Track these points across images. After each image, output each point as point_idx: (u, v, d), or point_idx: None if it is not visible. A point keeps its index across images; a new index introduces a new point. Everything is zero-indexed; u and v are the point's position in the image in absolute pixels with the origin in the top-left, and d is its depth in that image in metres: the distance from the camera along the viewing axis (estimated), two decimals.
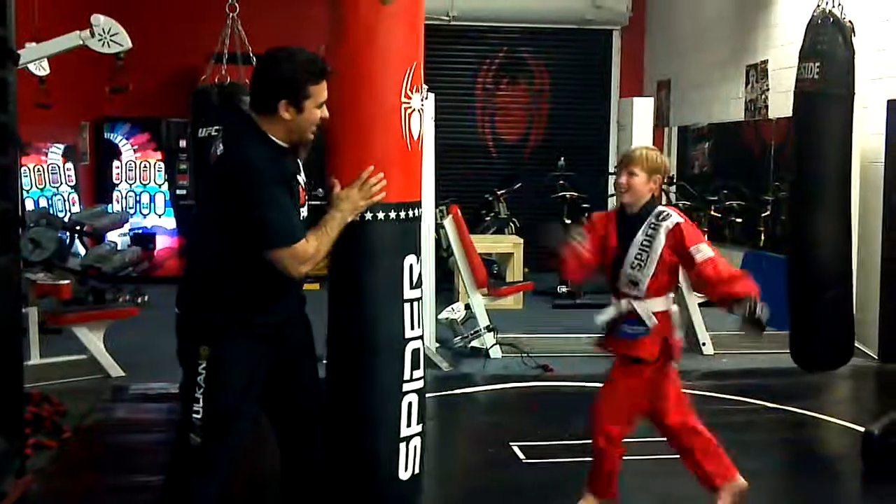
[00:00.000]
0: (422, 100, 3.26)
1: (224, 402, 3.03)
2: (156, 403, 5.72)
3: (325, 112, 3.04)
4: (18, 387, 3.95)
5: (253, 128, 3.01)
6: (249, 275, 2.99)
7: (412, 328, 3.28)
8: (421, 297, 3.38)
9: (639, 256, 3.61)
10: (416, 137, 3.25)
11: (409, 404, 3.31)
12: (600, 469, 3.83)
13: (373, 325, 3.21)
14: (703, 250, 3.57)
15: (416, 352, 3.30)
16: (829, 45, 4.84)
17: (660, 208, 3.67)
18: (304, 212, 3.12)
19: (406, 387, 3.29)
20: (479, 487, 4.47)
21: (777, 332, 7.25)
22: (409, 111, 3.21)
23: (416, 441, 3.32)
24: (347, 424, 3.25)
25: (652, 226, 3.61)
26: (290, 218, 2.97)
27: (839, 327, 5.32)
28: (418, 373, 3.32)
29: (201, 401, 3.01)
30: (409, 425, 3.30)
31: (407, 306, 3.26)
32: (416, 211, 3.32)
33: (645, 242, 3.61)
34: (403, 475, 3.32)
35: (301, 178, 3.15)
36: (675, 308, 3.78)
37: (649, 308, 3.65)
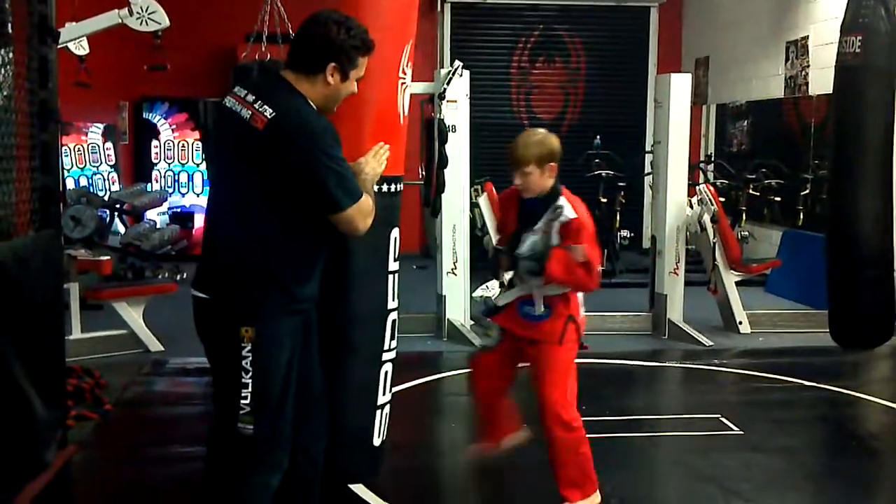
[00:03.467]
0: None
1: (274, 384, 2.90)
2: (193, 377, 5.80)
3: (356, 87, 2.99)
4: (61, 360, 4.01)
5: (293, 90, 2.89)
6: (295, 248, 2.90)
7: (393, 299, 3.46)
8: (398, 270, 3.52)
9: (533, 249, 3.54)
10: (405, 114, 3.41)
11: (386, 373, 3.48)
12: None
13: (360, 294, 3.34)
14: (579, 251, 3.44)
15: (394, 322, 3.48)
16: (871, 18, 4.75)
17: (558, 201, 3.55)
18: None
19: (385, 356, 3.47)
20: (512, 463, 4.48)
21: (815, 311, 7.25)
22: (404, 87, 3.30)
23: (387, 409, 3.53)
24: (330, 391, 3.28)
25: (548, 220, 3.54)
26: (350, 178, 2.91)
27: (879, 305, 5.25)
28: (394, 343, 3.49)
29: (249, 385, 2.85)
30: (384, 393, 3.50)
31: (391, 278, 3.42)
32: (399, 185, 3.50)
33: (542, 238, 3.54)
34: (376, 441, 3.54)
35: None
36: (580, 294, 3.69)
37: (546, 294, 3.58)
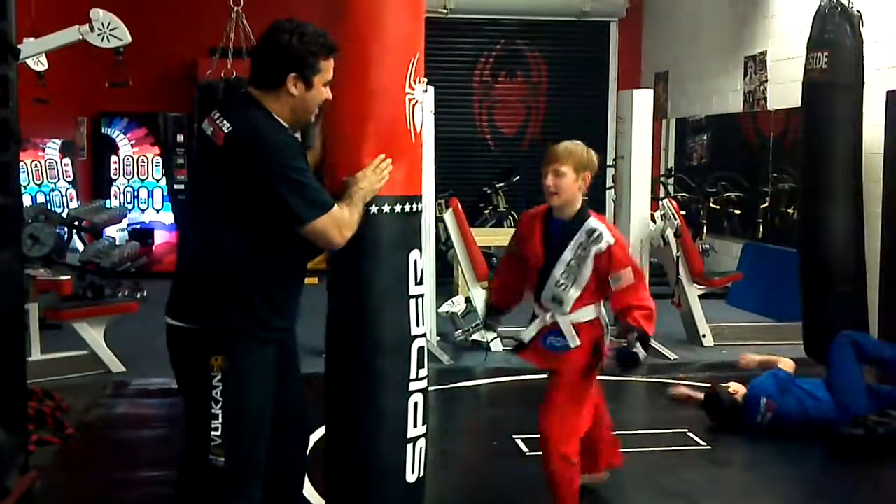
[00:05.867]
0: (423, 91, 3.21)
1: (246, 415, 2.81)
2: (156, 399, 5.71)
3: (329, 93, 2.88)
4: (21, 383, 3.94)
5: (256, 104, 2.81)
6: (264, 273, 2.80)
7: (417, 325, 3.18)
8: (423, 294, 3.27)
9: (565, 276, 3.41)
10: (418, 130, 3.18)
11: (416, 404, 3.20)
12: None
13: (379, 322, 3.10)
14: (626, 276, 3.40)
15: (420, 350, 3.20)
16: (837, 34, 4.81)
17: (592, 224, 3.42)
18: None
19: (412, 386, 3.18)
20: (483, 480, 4.47)
21: (776, 323, 7.33)
22: (412, 102, 3.17)
23: (422, 442, 3.22)
24: (354, 426, 3.12)
25: (581, 246, 3.39)
26: (320, 188, 2.81)
27: (851, 319, 5.30)
28: (423, 371, 3.22)
29: (220, 416, 2.76)
30: (415, 426, 3.19)
31: (412, 302, 3.16)
32: (418, 205, 3.23)
33: (573, 263, 3.40)
34: (410, 478, 3.20)
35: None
36: (603, 312, 3.61)
37: (574, 321, 3.48)
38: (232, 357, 2.77)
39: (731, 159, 9.92)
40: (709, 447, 4.76)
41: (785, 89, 8.11)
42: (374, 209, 3.02)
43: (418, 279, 3.19)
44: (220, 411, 2.77)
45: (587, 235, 3.37)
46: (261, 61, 2.85)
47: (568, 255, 3.38)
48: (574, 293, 3.40)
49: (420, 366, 3.19)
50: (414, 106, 3.16)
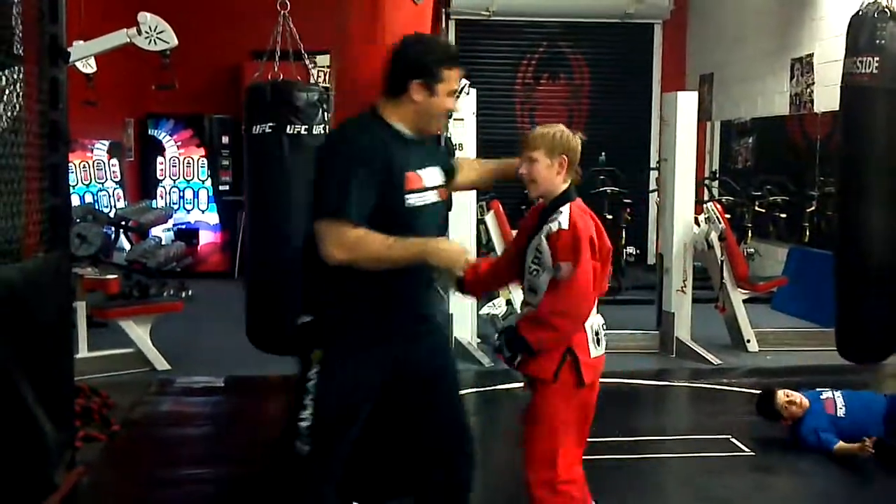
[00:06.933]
0: None
1: (333, 411, 2.87)
2: (201, 397, 5.78)
3: (453, 103, 2.92)
4: (69, 380, 4.01)
5: (369, 114, 2.90)
6: (354, 269, 2.78)
7: None
8: None
9: (535, 262, 3.08)
10: None
11: None
12: None
13: None
14: (561, 272, 2.99)
15: None
16: (888, 39, 4.76)
17: (561, 208, 3.06)
18: (430, 205, 2.90)
19: None
20: (521, 483, 4.45)
21: (821, 329, 7.21)
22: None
23: None
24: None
25: (544, 228, 3.06)
26: (349, 195, 2.72)
27: (887, 320, 5.22)
28: None
29: (309, 408, 2.84)
30: None
31: None
32: None
33: (539, 248, 3.07)
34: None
35: (437, 173, 2.97)
36: (596, 317, 3.16)
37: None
38: (328, 352, 2.85)
39: (777, 162, 9.80)
40: (752, 454, 4.71)
41: (832, 92, 7.97)
42: None
43: None
44: (309, 403, 2.85)
45: (549, 219, 3.06)
46: (388, 70, 2.93)
47: (536, 239, 3.08)
48: (546, 277, 3.04)
49: None
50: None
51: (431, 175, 2.94)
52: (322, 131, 5.00)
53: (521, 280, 3.21)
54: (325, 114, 5.06)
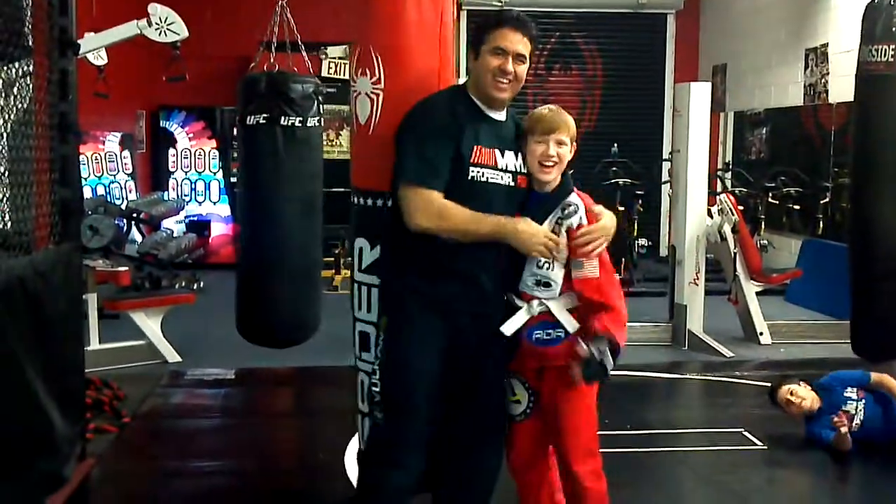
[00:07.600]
0: (372, 84, 3.17)
1: (397, 375, 2.87)
2: (212, 389, 5.78)
3: (505, 62, 2.89)
4: (80, 373, 4.01)
5: (456, 86, 3.08)
6: (422, 239, 2.81)
7: (359, 309, 3.25)
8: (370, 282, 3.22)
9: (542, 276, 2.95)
10: (361, 122, 3.21)
11: (361, 382, 3.28)
12: None
13: None
14: (588, 266, 2.93)
15: (363, 334, 3.24)
16: None
17: (571, 198, 2.98)
18: (503, 186, 2.89)
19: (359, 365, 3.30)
20: None
21: (836, 321, 7.16)
22: (355, 95, 3.23)
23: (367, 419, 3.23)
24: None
25: (558, 221, 2.94)
26: (430, 161, 2.78)
27: None
28: (367, 355, 3.21)
29: (377, 373, 2.91)
30: (362, 402, 3.29)
31: (356, 287, 3.25)
32: (363, 198, 3.24)
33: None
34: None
35: (517, 159, 2.95)
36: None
37: (565, 306, 2.97)
38: (393, 318, 2.91)
39: (791, 153, 9.73)
40: (765, 447, 4.67)
41: (847, 82, 7.89)
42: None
43: (363, 266, 3.23)
44: (378, 368, 2.92)
45: (562, 210, 2.95)
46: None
47: (546, 228, 2.93)
48: (560, 272, 2.95)
49: (364, 349, 3.25)
50: (357, 98, 3.19)
51: (508, 158, 2.94)
52: (316, 123, 4.96)
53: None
54: (321, 106, 5.01)
